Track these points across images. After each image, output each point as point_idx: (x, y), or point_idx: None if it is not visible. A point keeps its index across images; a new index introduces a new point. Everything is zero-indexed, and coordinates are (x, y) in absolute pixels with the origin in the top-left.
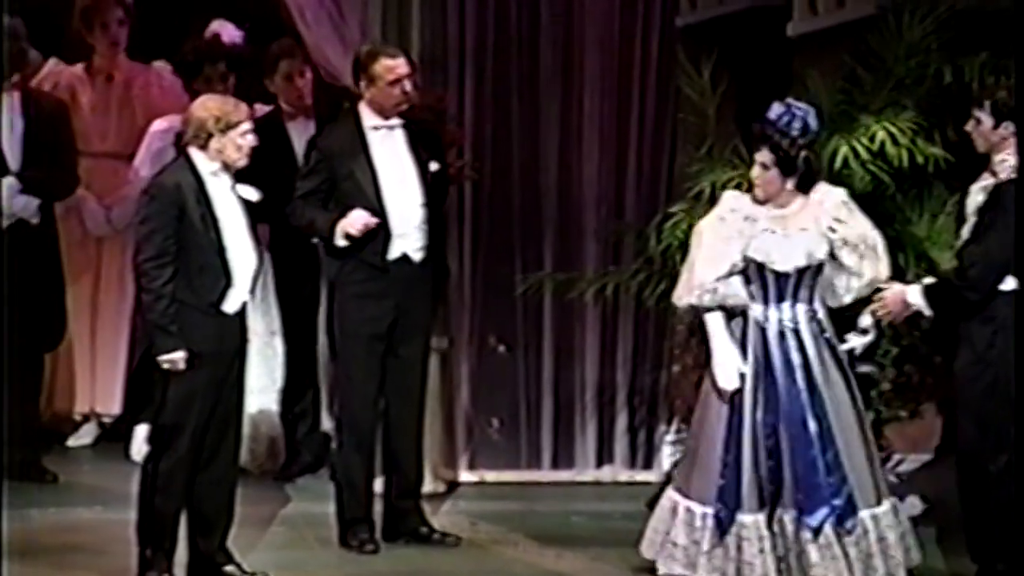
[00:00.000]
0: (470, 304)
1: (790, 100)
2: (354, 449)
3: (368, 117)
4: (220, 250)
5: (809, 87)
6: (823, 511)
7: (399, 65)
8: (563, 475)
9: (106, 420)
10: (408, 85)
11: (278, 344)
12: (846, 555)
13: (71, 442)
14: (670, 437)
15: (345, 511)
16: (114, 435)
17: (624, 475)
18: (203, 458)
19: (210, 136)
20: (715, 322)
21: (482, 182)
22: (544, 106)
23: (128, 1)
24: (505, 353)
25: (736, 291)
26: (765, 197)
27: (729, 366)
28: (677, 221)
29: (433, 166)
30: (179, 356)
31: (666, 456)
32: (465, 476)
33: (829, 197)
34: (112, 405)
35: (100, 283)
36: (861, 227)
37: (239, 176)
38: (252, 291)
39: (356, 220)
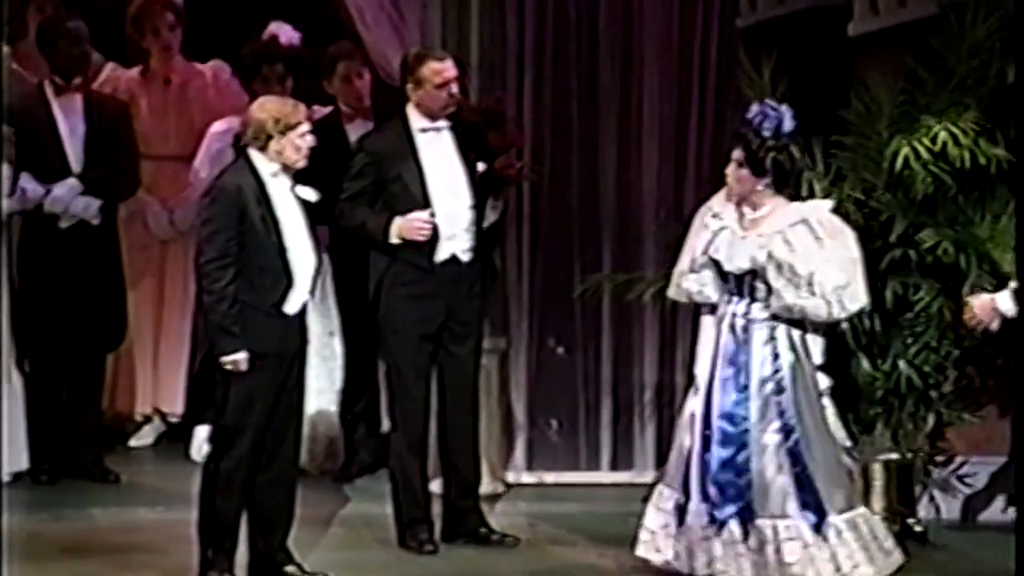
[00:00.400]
0: (529, 305)
1: (768, 101)
2: (407, 450)
3: (416, 119)
4: (281, 251)
5: (870, 87)
6: (729, 508)
7: (446, 68)
8: (622, 476)
9: (171, 419)
10: (455, 88)
11: (337, 345)
12: (750, 554)
13: (133, 442)
14: None
15: (403, 512)
16: (175, 435)
17: None
18: (263, 458)
19: (269, 137)
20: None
21: (541, 184)
22: (603, 108)
23: (179, 5)
24: (564, 354)
25: (702, 287)
26: (736, 195)
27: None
28: None
29: (480, 167)
30: (241, 357)
31: None
32: (524, 477)
33: (799, 210)
34: (175, 404)
35: (163, 285)
36: (806, 253)
37: (298, 177)
38: (312, 292)
39: (414, 225)
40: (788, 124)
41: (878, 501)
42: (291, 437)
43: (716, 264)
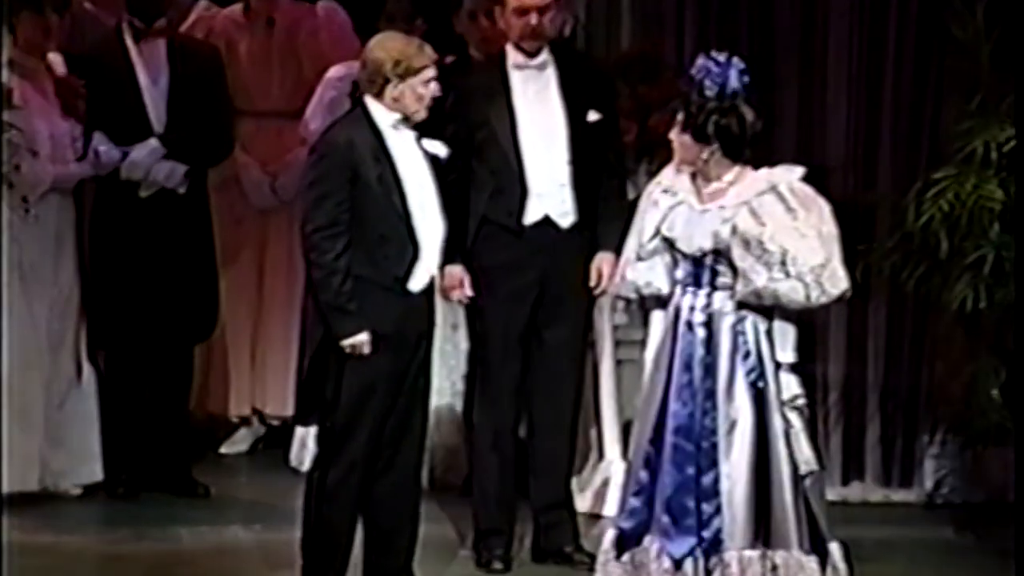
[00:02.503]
0: None
1: (715, 54)
2: (489, 449)
3: (513, 55)
4: (405, 216)
5: None
6: (689, 541)
7: None
8: None
9: (272, 422)
10: (535, 19)
11: (461, 339)
12: None
13: (224, 449)
14: (934, 450)
15: (479, 520)
16: (273, 441)
17: (877, 495)
18: (380, 464)
19: (387, 81)
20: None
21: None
22: (780, 57)
23: None
24: None
25: (653, 278)
26: (681, 161)
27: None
28: (942, 189)
29: (592, 116)
30: (362, 339)
31: (929, 473)
32: None
33: (767, 177)
34: (279, 405)
35: (264, 264)
36: (777, 227)
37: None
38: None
39: (452, 283)
40: (735, 81)
41: None
42: (413, 438)
43: (670, 246)
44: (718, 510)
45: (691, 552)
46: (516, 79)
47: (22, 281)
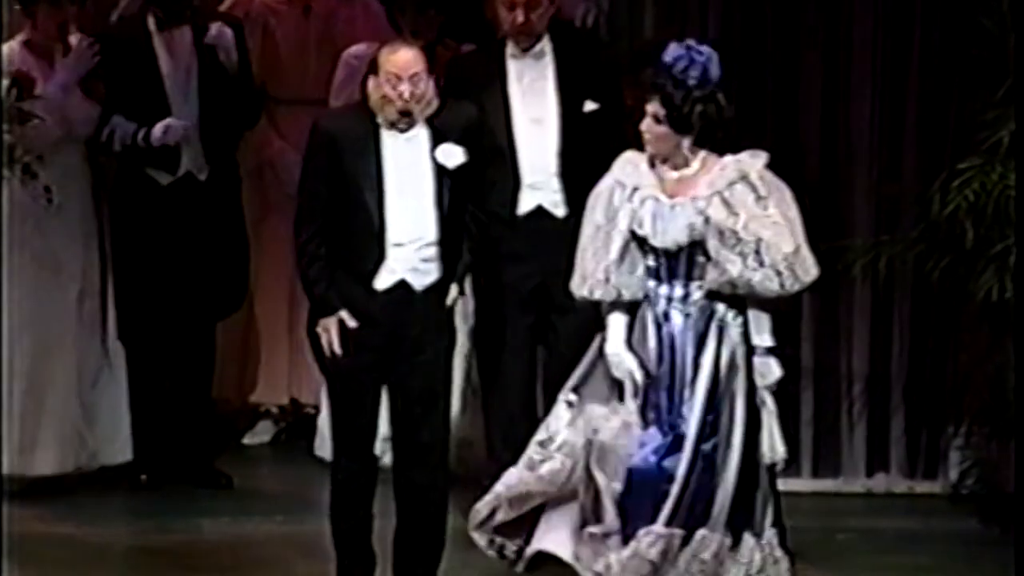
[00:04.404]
0: None
1: (690, 42)
2: (501, 443)
3: (511, 44)
4: (376, 215)
5: None
6: (640, 522)
7: None
8: (826, 485)
9: (310, 410)
10: (521, 15)
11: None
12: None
13: (247, 440)
14: (959, 441)
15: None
16: (295, 432)
17: (902, 486)
18: (407, 463)
19: (372, 75)
20: (614, 324)
21: (728, 137)
22: (803, 43)
23: None
24: None
25: (636, 280)
26: (655, 154)
27: (621, 370)
28: (968, 179)
29: (588, 106)
30: (327, 324)
31: (954, 464)
32: None
33: (736, 165)
34: (316, 394)
35: None
36: (750, 217)
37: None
38: (451, 274)
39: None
40: (715, 69)
41: None
42: (430, 442)
43: (641, 242)
44: (666, 495)
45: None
46: (512, 68)
47: (51, 271)
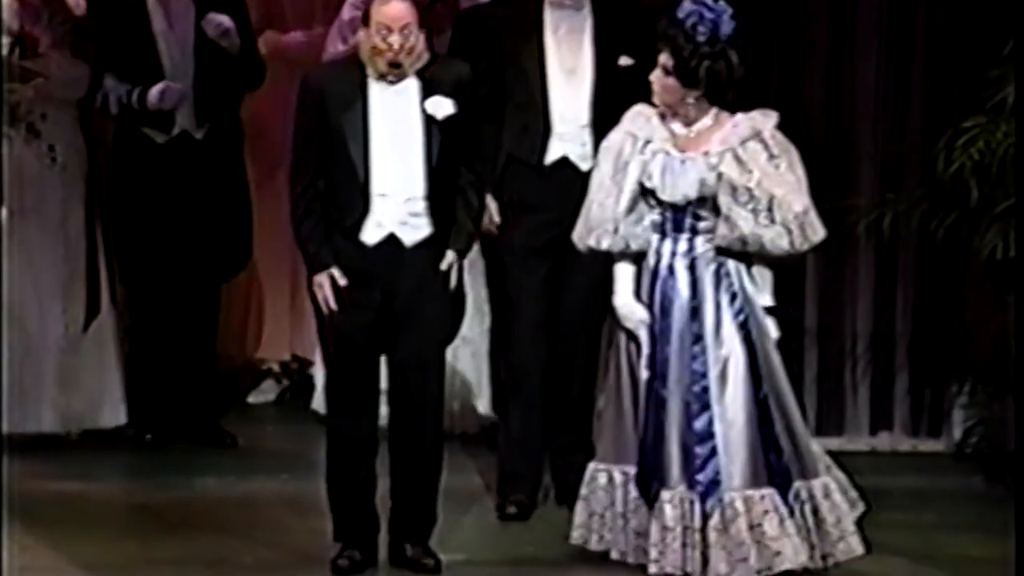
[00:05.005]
0: None
1: None
2: (513, 391)
3: None
4: (362, 168)
5: None
6: (679, 486)
7: None
8: (831, 443)
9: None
10: None
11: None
12: (704, 541)
13: (252, 399)
14: (963, 399)
15: (502, 465)
16: (300, 391)
17: (906, 444)
18: (400, 424)
19: (363, 25)
20: (623, 274)
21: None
22: (809, 4)
23: None
24: None
25: (642, 231)
26: (662, 104)
27: (632, 321)
28: (972, 137)
29: (624, 60)
30: (320, 279)
31: (958, 422)
32: None
33: (749, 123)
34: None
35: None
36: (763, 174)
37: None
38: (444, 235)
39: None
40: (726, 27)
41: None
42: (422, 402)
43: (649, 194)
44: (713, 452)
45: (657, 495)
46: (549, 17)
47: (51, 231)
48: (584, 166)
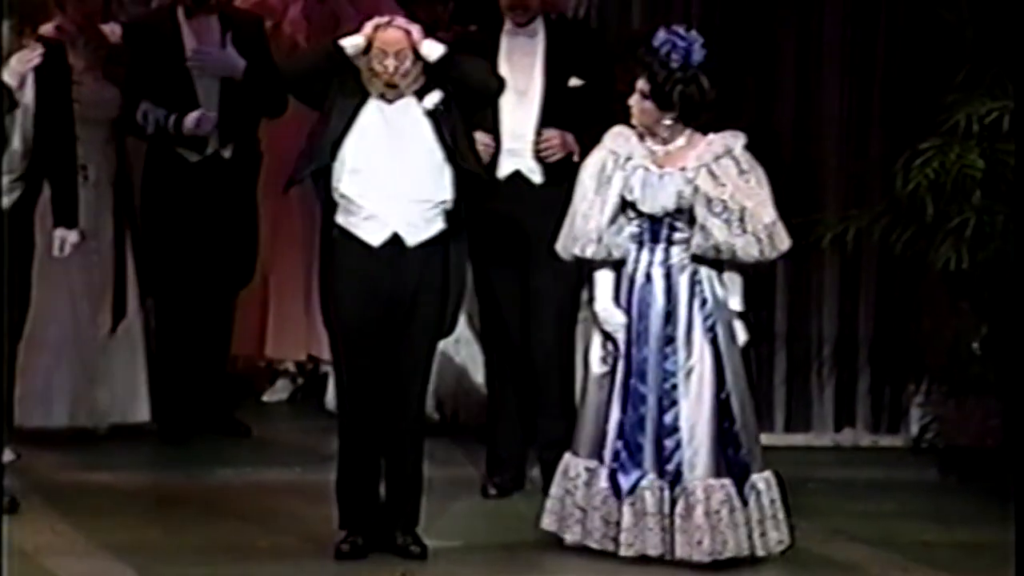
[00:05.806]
0: None
1: (677, 28)
2: (496, 379)
3: (507, 21)
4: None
5: None
6: (636, 473)
7: None
8: (798, 439)
9: (326, 368)
10: None
11: None
12: (671, 526)
13: (266, 397)
14: (920, 398)
15: (488, 449)
16: (311, 390)
17: (867, 440)
18: (392, 415)
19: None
20: (603, 281)
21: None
22: (779, 29)
23: None
24: None
25: (623, 241)
26: (640, 125)
27: (611, 324)
28: (928, 158)
29: (574, 82)
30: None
31: (915, 419)
32: None
33: (721, 142)
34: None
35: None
36: (735, 188)
37: None
38: (448, 235)
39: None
40: (697, 54)
41: None
42: (408, 391)
43: (629, 206)
44: (679, 445)
45: (637, 483)
46: (505, 43)
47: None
48: (535, 180)
